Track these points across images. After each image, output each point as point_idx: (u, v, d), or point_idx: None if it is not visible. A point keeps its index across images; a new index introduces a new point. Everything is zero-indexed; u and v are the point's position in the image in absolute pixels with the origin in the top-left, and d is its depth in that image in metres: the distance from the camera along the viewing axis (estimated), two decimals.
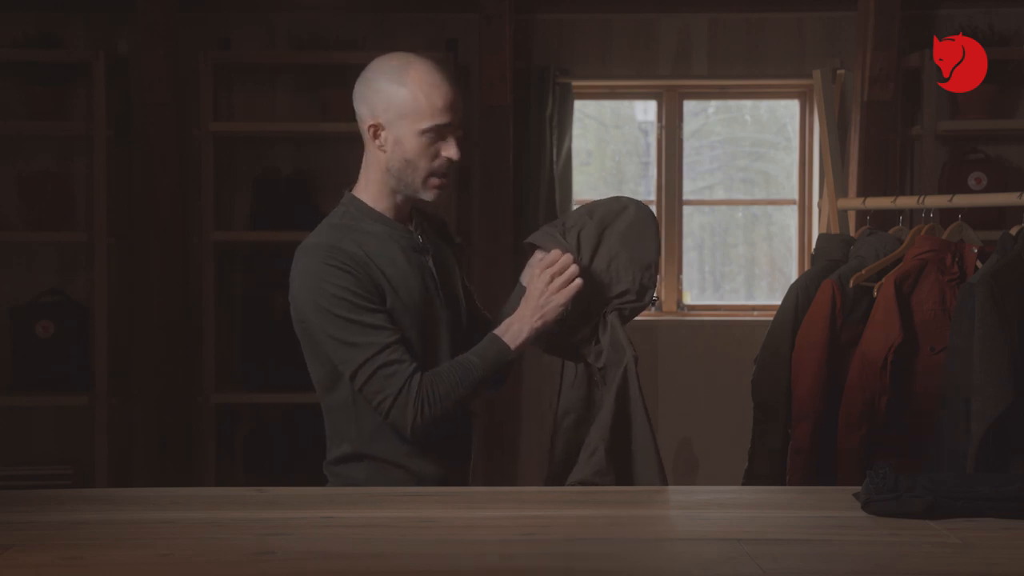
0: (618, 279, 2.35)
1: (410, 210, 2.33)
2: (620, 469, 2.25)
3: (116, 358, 4.45)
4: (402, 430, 2.19)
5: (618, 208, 2.39)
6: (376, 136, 2.24)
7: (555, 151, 4.59)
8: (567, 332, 2.35)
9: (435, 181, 2.26)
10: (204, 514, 2.00)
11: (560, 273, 2.28)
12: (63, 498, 2.13)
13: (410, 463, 2.25)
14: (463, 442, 2.37)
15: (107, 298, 4.39)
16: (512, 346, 2.26)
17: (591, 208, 2.41)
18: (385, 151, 2.24)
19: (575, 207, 4.65)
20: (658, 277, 2.44)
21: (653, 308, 4.81)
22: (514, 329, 2.28)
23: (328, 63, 4.43)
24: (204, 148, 4.41)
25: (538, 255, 2.37)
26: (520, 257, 4.65)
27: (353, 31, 4.59)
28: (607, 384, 2.30)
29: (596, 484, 2.21)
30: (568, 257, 2.29)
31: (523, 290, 2.38)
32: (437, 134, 2.22)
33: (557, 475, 2.37)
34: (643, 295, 2.37)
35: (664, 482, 2.25)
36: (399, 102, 2.20)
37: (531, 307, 2.28)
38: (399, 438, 2.23)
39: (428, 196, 2.27)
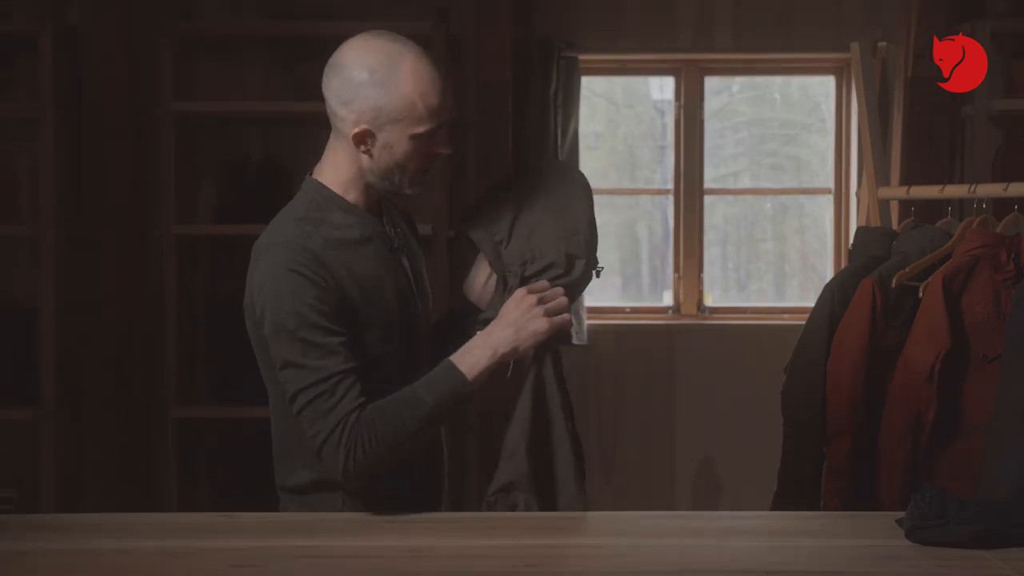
0: (541, 252, 2.34)
1: (379, 198, 2.34)
2: (542, 474, 2.27)
3: (65, 367, 4.45)
4: (333, 474, 2.16)
5: (550, 175, 2.43)
6: (362, 141, 2.22)
7: (560, 133, 4.59)
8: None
9: (420, 177, 2.27)
10: (165, 543, 2.00)
11: (548, 301, 2.27)
12: (4, 525, 2.13)
13: (367, 497, 2.23)
14: (434, 485, 2.38)
15: (54, 300, 4.38)
16: (469, 376, 2.20)
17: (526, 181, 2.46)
18: (372, 156, 2.23)
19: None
20: (596, 244, 2.41)
21: (667, 308, 4.82)
22: (475, 355, 2.22)
23: (304, 35, 4.43)
24: (164, 130, 4.40)
25: (481, 262, 2.42)
26: None
27: None
28: (526, 379, 2.31)
29: (519, 490, 2.23)
30: (559, 291, 2.29)
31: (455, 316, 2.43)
32: (432, 135, 2.23)
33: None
34: (571, 267, 2.35)
35: (583, 494, 2.27)
36: (391, 108, 2.18)
37: (501, 327, 2.24)
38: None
39: (411, 191, 2.28)
